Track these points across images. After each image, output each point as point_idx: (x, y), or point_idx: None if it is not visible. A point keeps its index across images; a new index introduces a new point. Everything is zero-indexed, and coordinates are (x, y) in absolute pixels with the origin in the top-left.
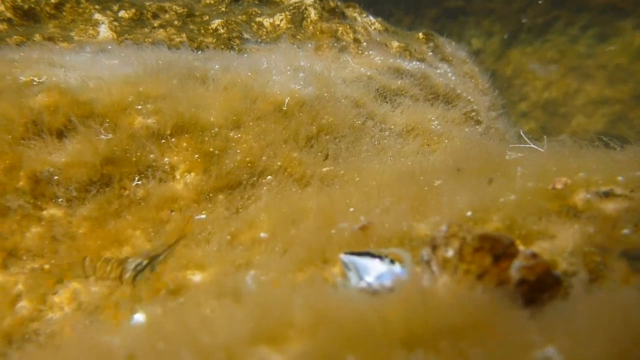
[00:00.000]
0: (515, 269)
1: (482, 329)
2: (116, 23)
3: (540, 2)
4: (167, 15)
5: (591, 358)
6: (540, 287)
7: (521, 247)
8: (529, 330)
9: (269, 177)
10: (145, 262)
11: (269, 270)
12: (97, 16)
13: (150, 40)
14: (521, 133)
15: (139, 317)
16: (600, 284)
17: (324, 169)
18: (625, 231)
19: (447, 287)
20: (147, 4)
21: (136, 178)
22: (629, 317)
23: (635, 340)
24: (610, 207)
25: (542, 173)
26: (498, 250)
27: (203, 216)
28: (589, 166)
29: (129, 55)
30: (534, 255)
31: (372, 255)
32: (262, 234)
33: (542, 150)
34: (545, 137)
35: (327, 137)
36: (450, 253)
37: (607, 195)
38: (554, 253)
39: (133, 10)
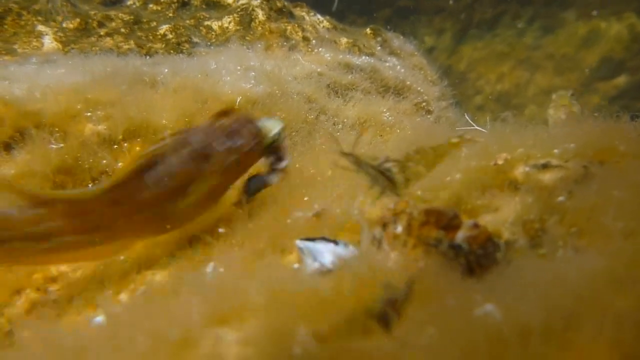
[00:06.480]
0: (459, 240)
1: (429, 295)
2: (61, 33)
3: None
4: (113, 24)
5: (526, 311)
6: (484, 255)
7: (465, 219)
8: (472, 293)
9: None
10: None
11: (228, 261)
12: (41, 27)
13: (97, 48)
14: (466, 116)
15: (99, 319)
16: (538, 249)
17: None
18: (561, 198)
19: (397, 260)
20: (92, 12)
21: (90, 185)
22: (563, 275)
23: (566, 293)
24: (547, 177)
25: (484, 151)
26: (443, 222)
27: None
28: (527, 142)
29: (75, 64)
30: (477, 225)
31: (326, 240)
32: (220, 229)
33: (485, 131)
34: (487, 118)
35: None
36: (399, 229)
37: (545, 166)
38: (497, 224)
39: (78, 20)
